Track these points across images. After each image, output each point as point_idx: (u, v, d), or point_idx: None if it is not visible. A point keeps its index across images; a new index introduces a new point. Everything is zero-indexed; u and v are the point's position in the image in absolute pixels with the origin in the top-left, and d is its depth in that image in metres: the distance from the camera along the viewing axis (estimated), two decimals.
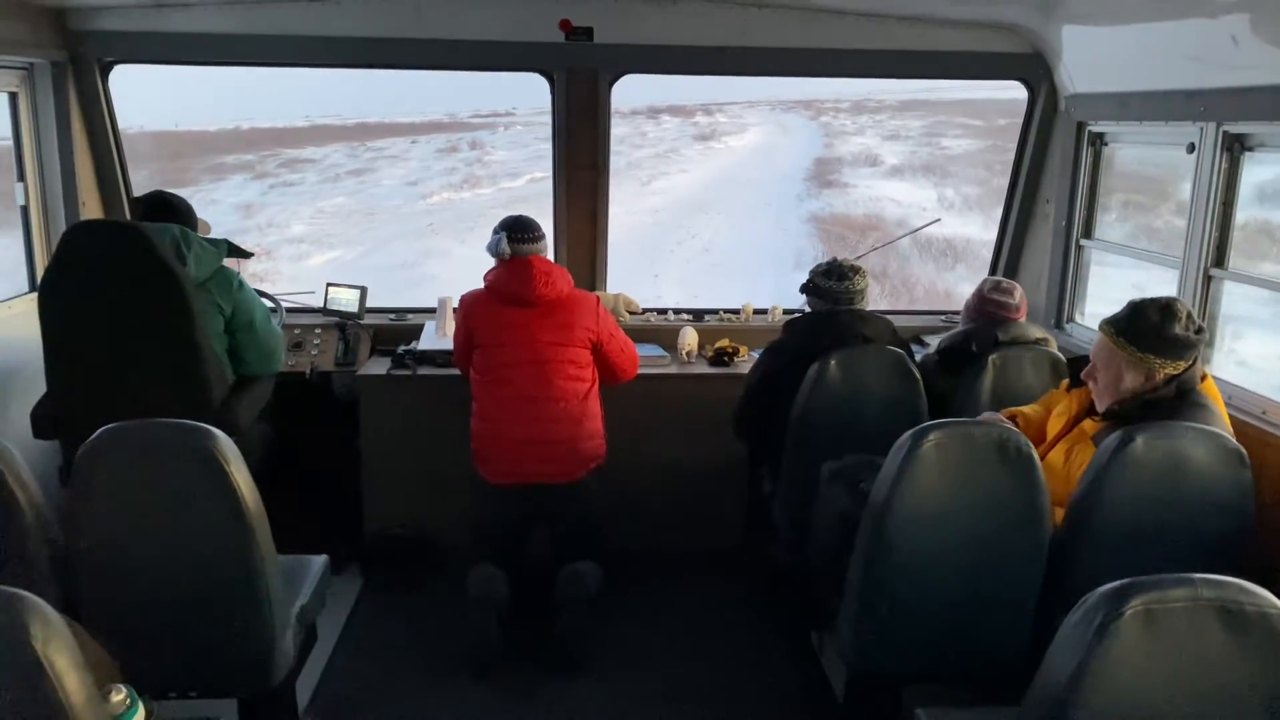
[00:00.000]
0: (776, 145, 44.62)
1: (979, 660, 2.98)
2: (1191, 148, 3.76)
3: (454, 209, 31.83)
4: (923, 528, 2.82)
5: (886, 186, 34.46)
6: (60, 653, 1.69)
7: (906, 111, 46.97)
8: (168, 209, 3.88)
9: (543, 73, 4.80)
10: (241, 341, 3.93)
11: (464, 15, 4.58)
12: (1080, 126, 4.60)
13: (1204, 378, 3.08)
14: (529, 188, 34.06)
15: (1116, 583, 1.83)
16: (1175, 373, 2.97)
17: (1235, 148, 3.60)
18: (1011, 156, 5.15)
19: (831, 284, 3.95)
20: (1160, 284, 3.99)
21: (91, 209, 4.63)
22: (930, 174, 36.15)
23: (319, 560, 3.39)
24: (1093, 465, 2.84)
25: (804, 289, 4.07)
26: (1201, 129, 3.70)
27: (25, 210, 4.46)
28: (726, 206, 31.24)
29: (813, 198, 34.18)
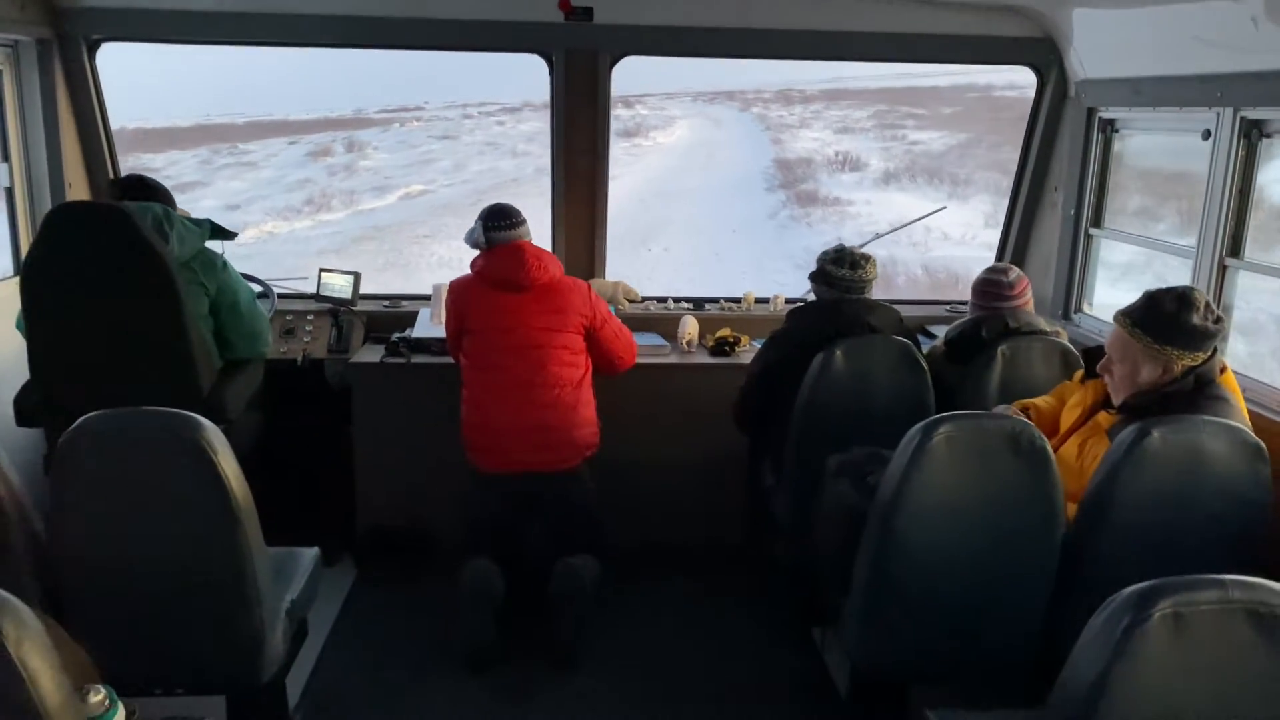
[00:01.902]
0: (712, 141, 39.00)
1: (989, 659, 2.91)
2: (1207, 134, 3.68)
3: (264, 254, 21.56)
4: (932, 523, 2.75)
5: (898, 203, 25.61)
6: (34, 654, 1.61)
7: (841, 100, 42.89)
8: (146, 189, 3.78)
9: (541, 54, 4.69)
10: (226, 322, 3.83)
11: None
12: (1091, 113, 4.51)
13: (1224, 370, 3.00)
14: (397, 209, 27.79)
15: (1143, 584, 1.76)
16: (1194, 364, 2.88)
17: (1253, 134, 3.52)
18: (1006, 152, 5.06)
19: (844, 272, 3.87)
20: None
21: (78, 190, 4.53)
22: (937, 180, 30.28)
23: (310, 553, 3.31)
24: (1107, 459, 2.76)
25: (813, 276, 3.99)
26: (1218, 115, 3.61)
27: (10, 192, 4.35)
28: (676, 234, 22.51)
29: (802, 222, 26.29)
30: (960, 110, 37.39)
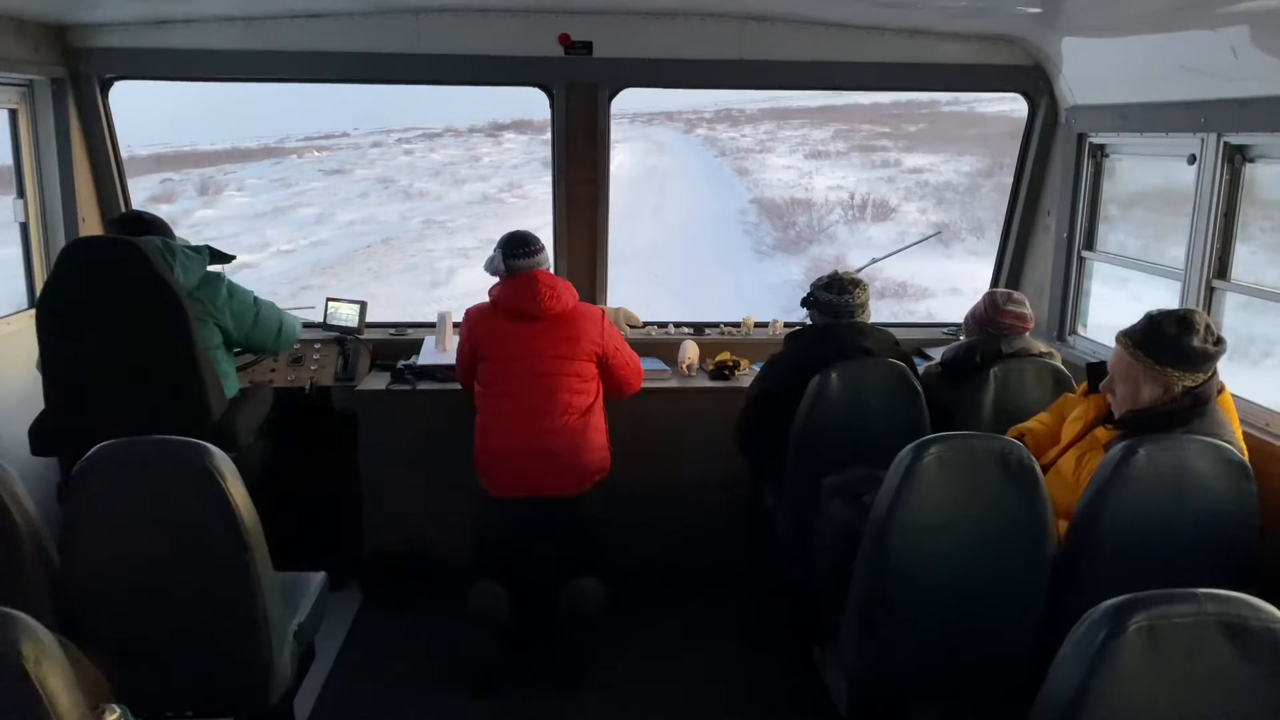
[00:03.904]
0: (660, 171, 31.55)
1: (982, 674, 2.95)
2: (1192, 159, 3.76)
3: None
4: (925, 541, 2.80)
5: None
6: (52, 673, 1.67)
7: (791, 119, 37.58)
8: (143, 224, 3.88)
9: (542, 87, 4.80)
10: (256, 336, 4.01)
11: (463, 30, 4.58)
12: (1081, 138, 4.59)
13: (1221, 390, 3.05)
14: None
15: (1119, 598, 1.81)
16: (1194, 385, 2.93)
17: (1236, 159, 3.59)
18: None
19: (832, 297, 3.95)
20: None
21: (91, 225, 4.63)
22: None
23: (317, 577, 3.37)
24: (1095, 478, 2.82)
25: (804, 302, 4.06)
26: (1202, 140, 3.69)
27: (25, 227, 4.46)
28: None
29: None
30: (925, 128, 33.60)
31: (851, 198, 25.98)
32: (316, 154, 36.31)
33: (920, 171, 29.66)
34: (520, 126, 35.59)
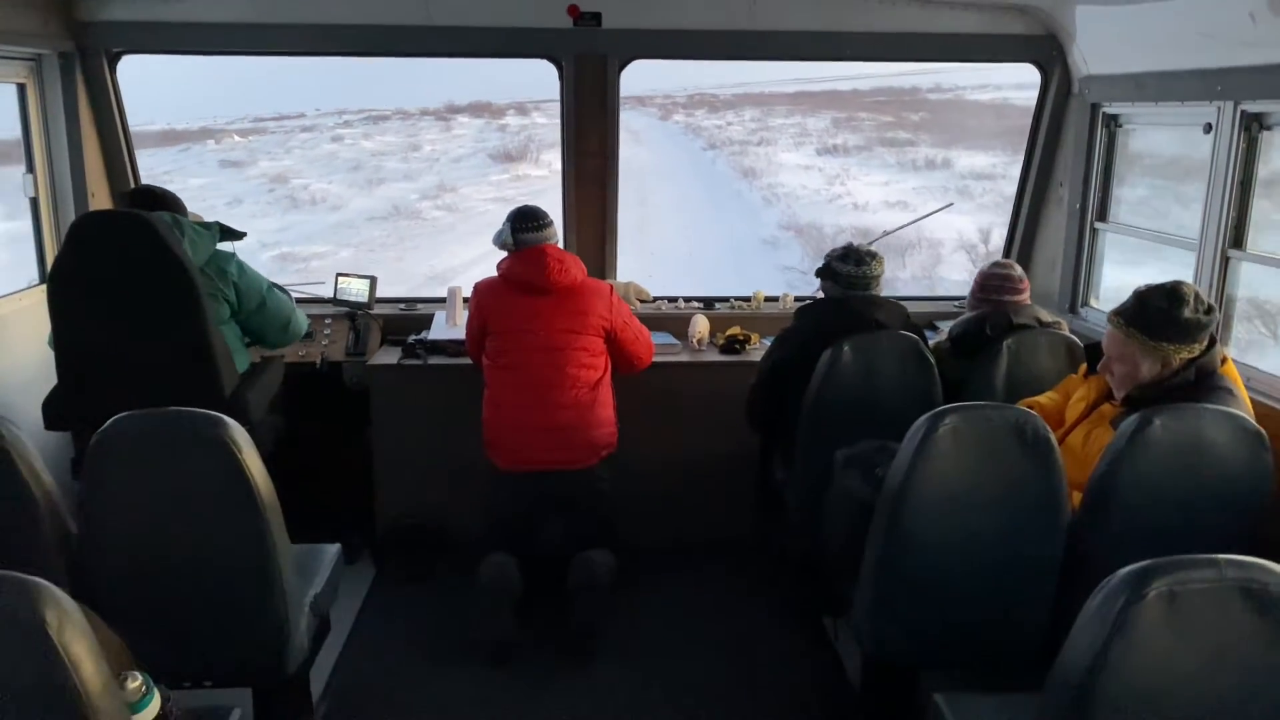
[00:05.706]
0: (639, 167, 24.07)
1: (997, 645, 2.96)
2: (1208, 128, 3.72)
3: None
4: (939, 512, 2.80)
5: None
6: (76, 639, 1.68)
7: (772, 104, 33.15)
8: (154, 199, 3.86)
9: (551, 59, 4.78)
10: (256, 322, 3.95)
11: (471, 2, 4.55)
12: (1095, 109, 4.55)
13: (1224, 360, 3.04)
14: None
15: (1138, 564, 1.81)
16: (1192, 356, 2.93)
17: (1254, 127, 3.56)
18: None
19: (849, 269, 3.92)
20: None
21: (101, 200, 4.63)
22: None
23: (332, 549, 3.39)
24: (1111, 448, 2.81)
25: (819, 273, 4.04)
26: (1219, 108, 3.66)
27: (34, 202, 4.46)
28: None
29: None
30: (928, 116, 29.55)
31: (984, 238, 16.55)
32: (236, 138, 31.78)
33: (991, 178, 22.90)
34: (476, 110, 30.83)
